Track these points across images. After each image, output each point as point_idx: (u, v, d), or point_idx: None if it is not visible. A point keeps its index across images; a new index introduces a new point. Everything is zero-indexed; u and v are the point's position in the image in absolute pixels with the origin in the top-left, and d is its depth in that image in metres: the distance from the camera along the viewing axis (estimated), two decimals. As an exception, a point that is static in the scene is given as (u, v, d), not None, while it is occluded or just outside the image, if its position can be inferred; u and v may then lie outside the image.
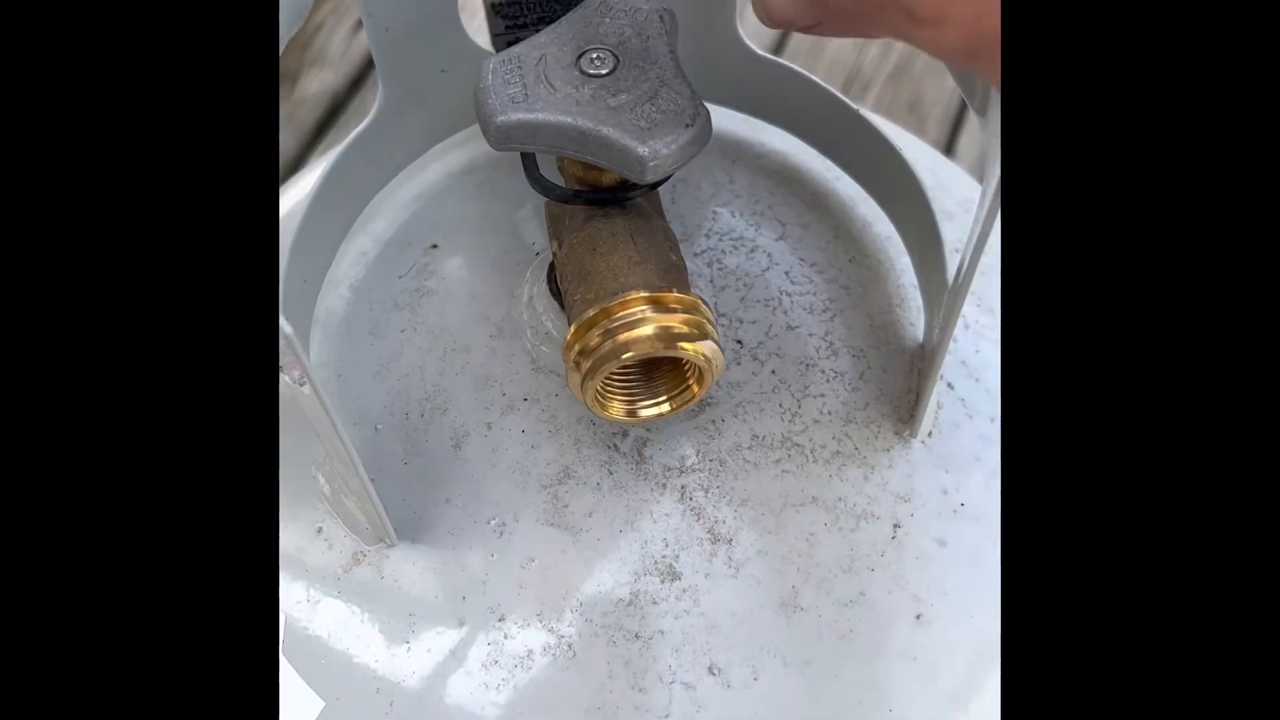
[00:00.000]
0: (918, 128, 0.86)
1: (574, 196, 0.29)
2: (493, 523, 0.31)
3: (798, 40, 0.91)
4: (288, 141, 0.87)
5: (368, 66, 0.90)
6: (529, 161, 0.28)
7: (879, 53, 0.91)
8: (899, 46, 0.91)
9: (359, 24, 0.92)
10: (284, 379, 0.26)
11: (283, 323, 0.23)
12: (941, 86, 0.89)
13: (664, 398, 0.29)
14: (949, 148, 0.86)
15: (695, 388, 0.29)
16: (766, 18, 0.23)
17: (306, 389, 0.25)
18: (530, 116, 0.26)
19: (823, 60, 0.90)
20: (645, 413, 0.30)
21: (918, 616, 0.30)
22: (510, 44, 0.27)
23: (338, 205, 0.35)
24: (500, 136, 0.26)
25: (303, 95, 0.90)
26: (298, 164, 0.86)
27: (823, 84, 0.36)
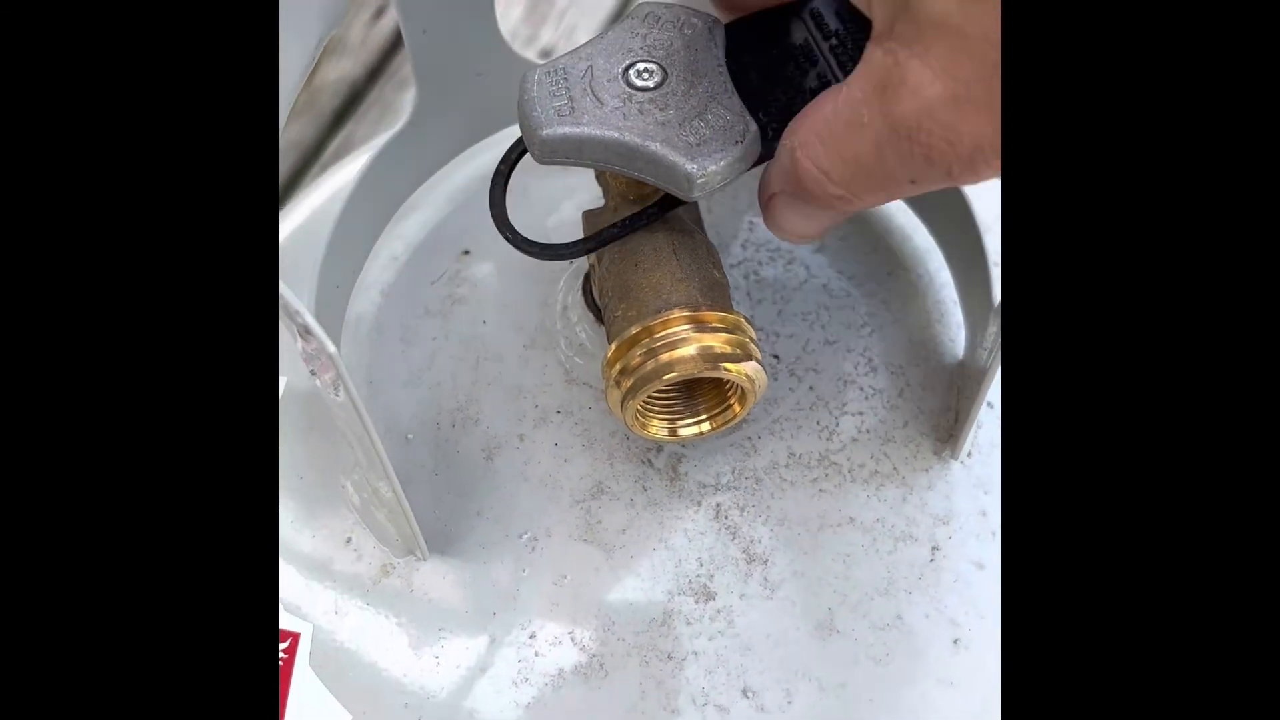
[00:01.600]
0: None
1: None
2: (524, 537, 0.31)
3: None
4: (306, 130, 0.86)
5: (386, 56, 0.90)
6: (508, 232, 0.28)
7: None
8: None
9: (378, 13, 0.92)
10: (318, 385, 0.26)
11: (321, 335, 0.23)
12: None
13: (704, 417, 0.29)
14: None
15: (737, 408, 0.29)
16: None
17: (341, 396, 0.25)
18: (576, 130, 0.25)
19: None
20: (685, 431, 0.29)
21: (955, 641, 0.30)
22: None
23: (371, 209, 0.35)
24: (545, 150, 0.26)
25: (321, 83, 0.90)
26: (317, 151, 0.85)
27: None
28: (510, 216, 0.28)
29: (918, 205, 0.36)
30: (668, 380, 0.26)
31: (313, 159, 0.85)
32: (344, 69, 0.90)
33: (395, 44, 0.90)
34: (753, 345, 0.27)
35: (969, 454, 0.32)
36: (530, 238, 0.28)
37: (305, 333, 0.23)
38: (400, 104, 0.84)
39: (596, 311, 0.33)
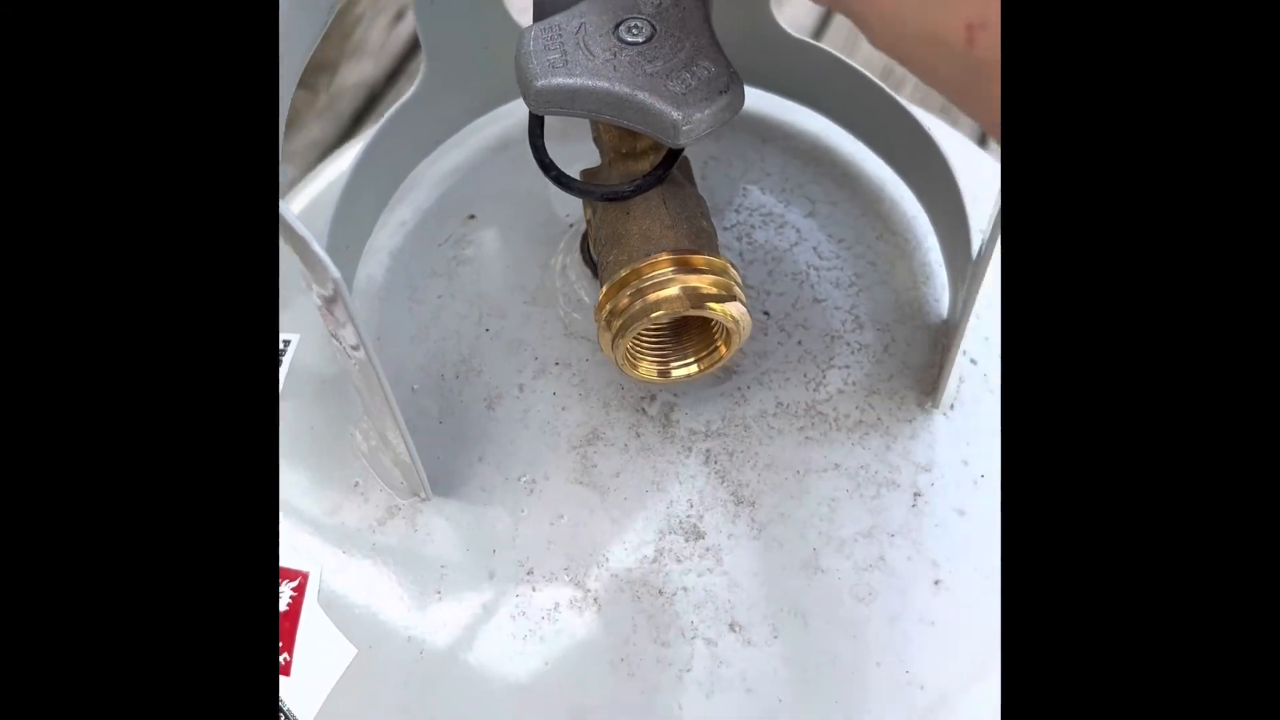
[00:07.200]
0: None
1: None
2: (523, 480, 0.32)
3: (834, 31, 0.91)
4: (325, 131, 0.89)
5: (406, 58, 0.92)
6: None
7: (911, 52, 0.91)
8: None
9: (398, 16, 0.94)
10: (335, 344, 0.27)
11: (345, 291, 0.24)
12: (973, 86, 0.89)
13: (692, 358, 0.30)
14: (980, 145, 0.86)
15: (723, 349, 0.30)
16: None
17: (360, 351, 0.26)
18: (569, 81, 0.27)
19: (856, 58, 0.91)
20: (675, 373, 0.30)
21: (936, 582, 0.31)
22: None
23: (379, 176, 0.36)
24: (540, 100, 0.27)
25: (341, 86, 0.92)
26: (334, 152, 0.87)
27: (856, 66, 0.36)
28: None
29: (907, 174, 0.37)
30: (655, 319, 0.28)
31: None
32: (363, 72, 0.93)
33: (414, 48, 0.92)
34: (737, 288, 0.28)
35: (952, 406, 0.33)
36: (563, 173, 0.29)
37: (332, 298, 0.24)
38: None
39: (593, 269, 0.34)
